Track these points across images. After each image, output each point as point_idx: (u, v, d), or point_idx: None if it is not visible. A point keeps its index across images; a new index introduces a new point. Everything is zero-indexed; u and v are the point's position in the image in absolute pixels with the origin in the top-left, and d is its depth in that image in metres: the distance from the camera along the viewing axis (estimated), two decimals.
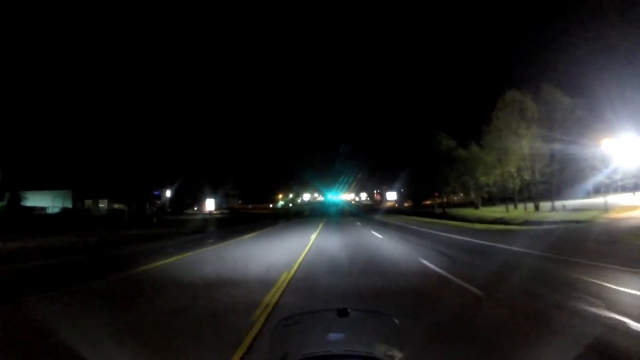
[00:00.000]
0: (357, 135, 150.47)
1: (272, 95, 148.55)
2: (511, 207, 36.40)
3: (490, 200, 43.68)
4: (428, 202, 60.58)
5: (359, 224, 25.35)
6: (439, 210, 40.15)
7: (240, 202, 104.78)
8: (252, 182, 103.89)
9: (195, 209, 63.06)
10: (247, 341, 3.62)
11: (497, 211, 33.05)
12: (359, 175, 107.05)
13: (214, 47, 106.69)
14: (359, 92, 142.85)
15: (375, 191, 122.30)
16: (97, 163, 59.52)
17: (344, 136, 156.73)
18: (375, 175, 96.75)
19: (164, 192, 63.58)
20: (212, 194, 76.72)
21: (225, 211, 70.10)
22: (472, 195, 39.55)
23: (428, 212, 38.96)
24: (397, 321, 1.73)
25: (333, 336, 1.55)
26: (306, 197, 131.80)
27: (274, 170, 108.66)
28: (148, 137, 65.39)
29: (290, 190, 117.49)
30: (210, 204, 61.20)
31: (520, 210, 31.47)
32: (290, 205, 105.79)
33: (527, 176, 30.38)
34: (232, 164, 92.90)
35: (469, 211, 35.94)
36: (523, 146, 29.68)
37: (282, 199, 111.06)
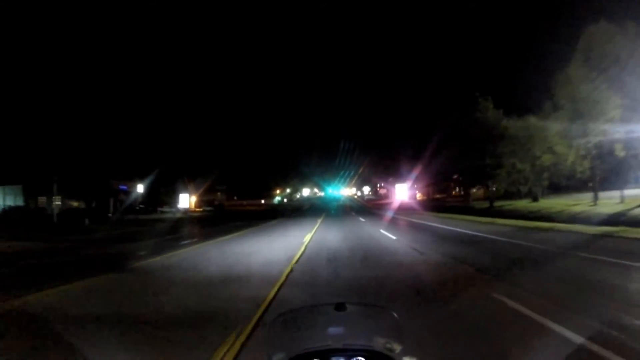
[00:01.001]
0: (360, 123, 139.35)
1: (268, 83, 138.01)
2: (581, 196, 26.64)
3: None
4: (450, 195, 50.48)
5: (391, 236, 13.43)
6: (479, 205, 30.20)
7: (235, 198, 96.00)
8: (247, 176, 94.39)
9: (179, 206, 53.13)
10: None
11: (569, 204, 23.26)
12: (361, 168, 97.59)
13: (204, 32, 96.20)
14: (361, 60, 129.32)
15: (378, 184, 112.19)
16: (53, 153, 49.09)
17: (346, 125, 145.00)
18: (379, 166, 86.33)
19: (133, 187, 53.91)
20: (196, 189, 67.52)
21: (209, 208, 60.31)
22: (491, 185, 29.31)
23: (464, 208, 28.92)
24: (395, 314, 1.71)
25: (332, 330, 1.52)
26: (305, 192, 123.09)
27: (271, 164, 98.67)
28: (115, 124, 55.54)
29: (288, 185, 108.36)
30: (185, 201, 51.38)
31: (610, 201, 21.64)
32: (285, 200, 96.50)
33: (620, 151, 20.45)
34: (223, 158, 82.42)
35: (526, 204, 26.11)
36: (615, 106, 19.79)
37: (279, 195, 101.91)
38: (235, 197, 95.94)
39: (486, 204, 29.76)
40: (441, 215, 25.63)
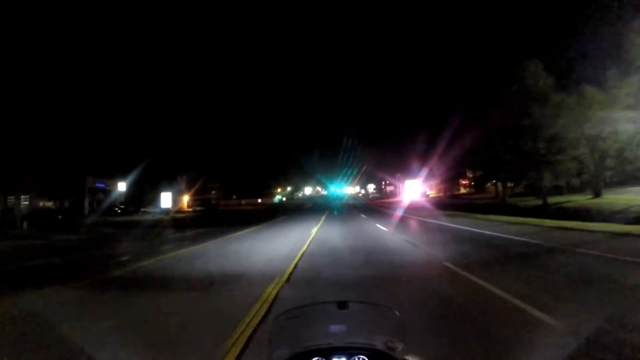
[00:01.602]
0: (364, 113, 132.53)
1: (267, 77, 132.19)
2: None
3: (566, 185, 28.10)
4: (461, 191, 44.23)
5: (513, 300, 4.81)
6: (522, 203, 24.19)
7: (234, 197, 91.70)
8: (246, 174, 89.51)
9: (162, 206, 47.74)
10: None
11: None
12: (365, 165, 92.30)
13: (201, 23, 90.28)
14: (363, 38, 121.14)
15: (384, 182, 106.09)
16: (25, 149, 43.42)
17: (349, 117, 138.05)
18: (385, 161, 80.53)
19: (113, 185, 48.60)
20: (188, 188, 62.59)
21: (199, 208, 54.89)
22: (545, 177, 23.03)
23: (506, 207, 22.40)
24: (398, 313, 1.70)
25: (334, 328, 1.51)
26: (308, 190, 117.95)
27: (272, 162, 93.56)
28: (96, 115, 50.10)
29: (289, 184, 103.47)
30: (167, 200, 46.03)
31: None
32: (284, 199, 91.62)
33: None
34: (219, 155, 76.87)
35: (587, 202, 20.23)
36: None
37: (279, 193, 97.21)
38: (234, 196, 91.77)
39: (530, 201, 23.72)
40: (489, 218, 18.03)
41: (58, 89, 47.47)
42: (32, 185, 41.06)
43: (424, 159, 45.80)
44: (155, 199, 50.26)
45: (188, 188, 62.74)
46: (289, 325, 1.63)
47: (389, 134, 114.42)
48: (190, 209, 55.01)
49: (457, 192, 43.53)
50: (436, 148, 35.78)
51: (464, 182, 52.74)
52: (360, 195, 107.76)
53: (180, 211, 51.41)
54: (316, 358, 1.28)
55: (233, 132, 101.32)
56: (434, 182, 52.34)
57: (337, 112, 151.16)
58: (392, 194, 78.59)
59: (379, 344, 1.36)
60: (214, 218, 32.46)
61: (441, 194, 47.84)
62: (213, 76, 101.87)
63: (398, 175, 67.46)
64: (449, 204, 31.62)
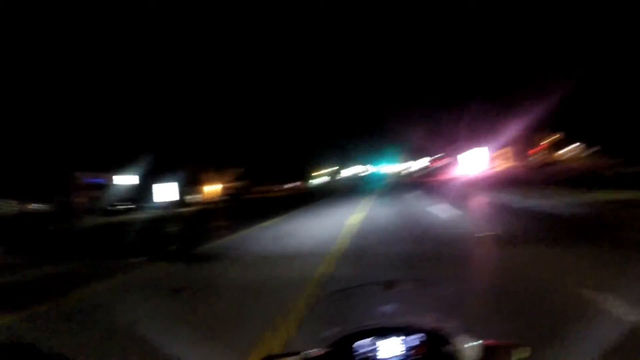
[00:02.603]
0: (411, 76, 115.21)
1: (303, 58, 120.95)
2: None
3: None
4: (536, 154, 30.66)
5: None
6: None
7: (266, 183, 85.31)
8: (281, 158, 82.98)
9: (167, 199, 39.89)
10: None
11: None
12: (415, 138, 77.87)
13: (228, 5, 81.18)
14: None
15: (437, 154, 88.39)
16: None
17: (394, 82, 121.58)
18: (440, 130, 65.46)
19: (108, 178, 41.98)
20: (219, 177, 56.13)
21: (223, 199, 46.87)
22: None
23: None
24: (450, 289, 1.68)
25: (384, 308, 1.50)
26: (351, 170, 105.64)
27: (308, 143, 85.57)
28: (87, 101, 43.31)
29: (328, 165, 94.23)
30: (167, 193, 38.56)
31: None
32: (315, 183, 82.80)
33: None
34: (249, 138, 69.30)
35: None
36: None
37: (315, 176, 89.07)
38: (267, 182, 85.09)
39: None
40: None
41: (41, 77, 41.11)
42: (12, 188, 35.26)
43: (494, 119, 32.96)
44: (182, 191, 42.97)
45: (218, 176, 56.43)
46: (337, 307, 1.62)
47: (443, 95, 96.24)
48: (216, 200, 47.08)
49: (552, 160, 30.16)
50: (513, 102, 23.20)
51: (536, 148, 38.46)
52: (413, 171, 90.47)
53: (209, 202, 44.13)
54: (370, 338, 1.22)
55: (264, 114, 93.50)
56: (498, 151, 38.79)
57: (379, 82, 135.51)
58: (446, 169, 64.46)
59: (430, 323, 1.31)
60: (226, 212, 24.04)
61: (523, 164, 34.26)
62: (241, 58, 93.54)
63: (460, 143, 53.16)
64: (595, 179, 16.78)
